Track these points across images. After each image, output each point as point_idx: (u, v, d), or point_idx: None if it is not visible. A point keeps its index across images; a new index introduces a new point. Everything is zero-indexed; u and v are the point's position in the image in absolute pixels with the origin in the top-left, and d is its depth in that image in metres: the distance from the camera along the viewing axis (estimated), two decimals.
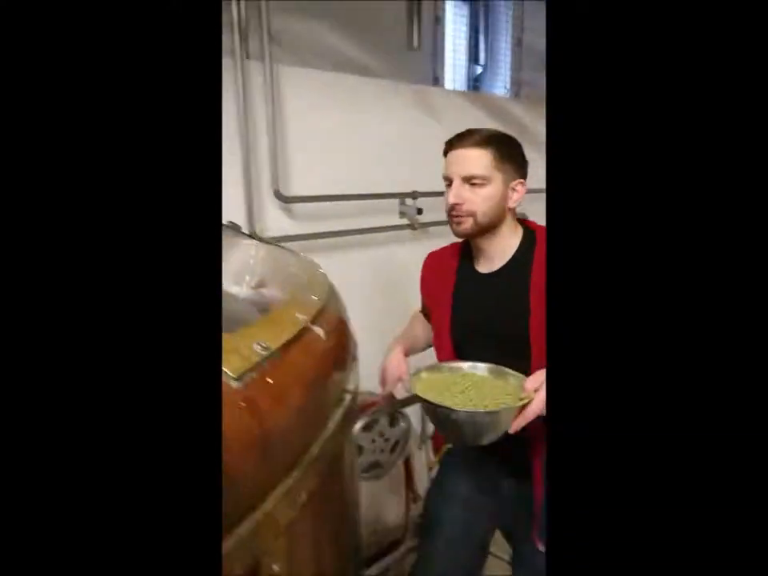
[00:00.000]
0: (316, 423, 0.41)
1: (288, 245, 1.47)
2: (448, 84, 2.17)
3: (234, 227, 0.84)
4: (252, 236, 0.84)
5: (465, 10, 2.17)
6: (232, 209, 1.38)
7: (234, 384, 0.34)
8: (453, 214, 0.83)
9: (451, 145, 0.85)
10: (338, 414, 0.45)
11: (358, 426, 1.41)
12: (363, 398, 1.59)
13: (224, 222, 0.85)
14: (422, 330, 1.00)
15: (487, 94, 2.24)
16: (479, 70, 2.26)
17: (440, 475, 1.00)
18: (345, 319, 0.60)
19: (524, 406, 0.66)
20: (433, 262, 1.01)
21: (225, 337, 0.37)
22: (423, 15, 1.61)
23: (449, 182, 0.84)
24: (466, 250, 0.93)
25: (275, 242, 1.44)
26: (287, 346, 0.40)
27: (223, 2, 1.38)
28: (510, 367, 0.76)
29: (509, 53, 2.28)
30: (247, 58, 1.38)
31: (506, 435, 0.68)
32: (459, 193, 0.81)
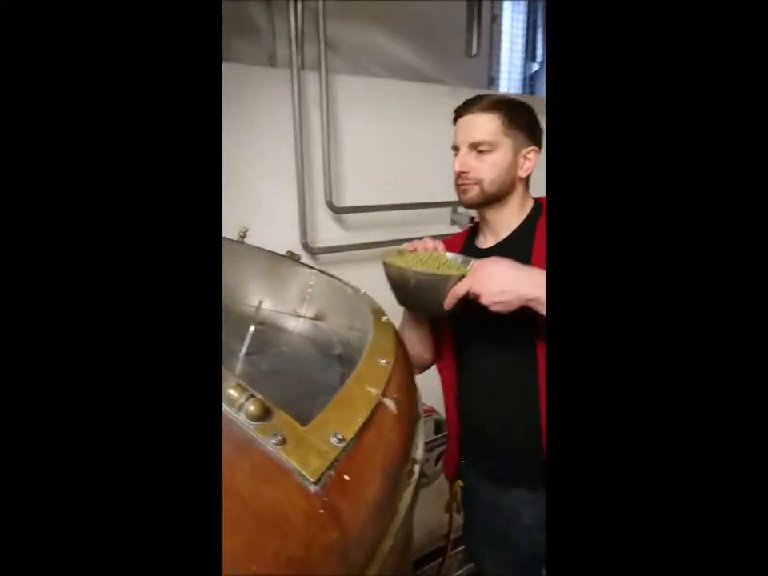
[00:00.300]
0: (390, 513, 0.39)
1: (341, 255, 1.47)
2: (503, 84, 2.10)
3: (293, 257, 0.84)
4: (311, 267, 0.83)
5: (522, 6, 2.08)
6: (285, 220, 1.39)
7: (313, 489, 0.32)
8: (459, 183, 0.81)
9: (459, 112, 0.82)
10: (408, 495, 0.43)
11: None
12: None
13: (283, 252, 0.85)
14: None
15: (543, 96, 2.15)
16: (536, 67, 2.17)
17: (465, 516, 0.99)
18: (410, 372, 0.58)
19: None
20: (444, 245, 0.96)
21: (300, 430, 0.35)
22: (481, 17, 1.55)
23: (456, 150, 0.81)
24: (476, 228, 0.91)
25: (329, 250, 1.44)
26: (361, 431, 0.38)
27: (280, 12, 1.37)
28: (510, 346, 0.79)
29: None
30: (302, 68, 1.37)
31: None
32: (465, 161, 0.78)
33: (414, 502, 0.44)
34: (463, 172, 0.79)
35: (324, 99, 1.37)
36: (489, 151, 0.78)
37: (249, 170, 1.31)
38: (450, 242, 0.91)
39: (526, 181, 0.83)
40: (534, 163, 0.81)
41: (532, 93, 2.16)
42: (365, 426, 0.39)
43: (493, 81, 2.02)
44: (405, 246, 0.84)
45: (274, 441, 0.33)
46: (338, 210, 1.45)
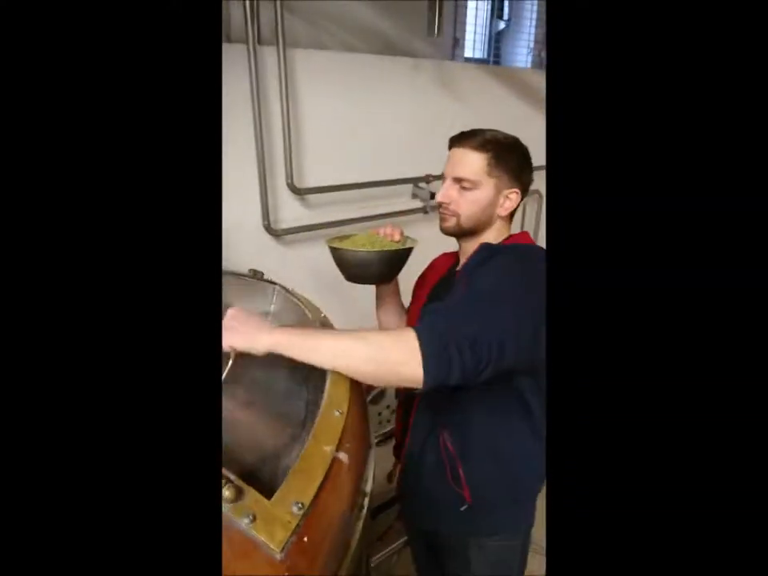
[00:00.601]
0: (344, 550, 0.50)
1: (302, 235, 1.50)
2: (468, 45, 2.05)
3: (256, 274, 0.88)
4: (273, 282, 0.88)
5: None
6: (247, 201, 1.40)
7: (279, 557, 0.41)
8: (440, 211, 0.87)
9: (452, 142, 0.85)
10: (359, 526, 0.53)
11: (367, 399, 1.52)
12: None
13: (246, 270, 0.89)
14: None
15: (508, 66, 2.12)
16: (502, 25, 2.12)
17: None
18: (363, 404, 0.67)
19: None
20: (436, 262, 1.05)
21: (267, 504, 0.44)
22: None
23: (443, 179, 0.86)
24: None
25: (291, 231, 1.47)
26: (318, 493, 0.47)
27: None
28: None
29: (535, 6, 2.12)
30: (259, 43, 1.32)
31: None
32: (448, 192, 0.84)
33: (364, 531, 0.54)
34: (444, 203, 0.84)
35: (282, 74, 1.34)
36: (470, 189, 0.81)
37: None
38: (441, 260, 1.02)
39: (509, 216, 0.88)
40: (515, 203, 0.85)
41: (498, 56, 2.13)
42: (321, 487, 0.48)
43: (457, 42, 1.97)
44: (369, 231, 0.96)
45: (246, 520, 0.42)
46: (299, 192, 1.47)
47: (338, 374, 0.64)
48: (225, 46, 1.31)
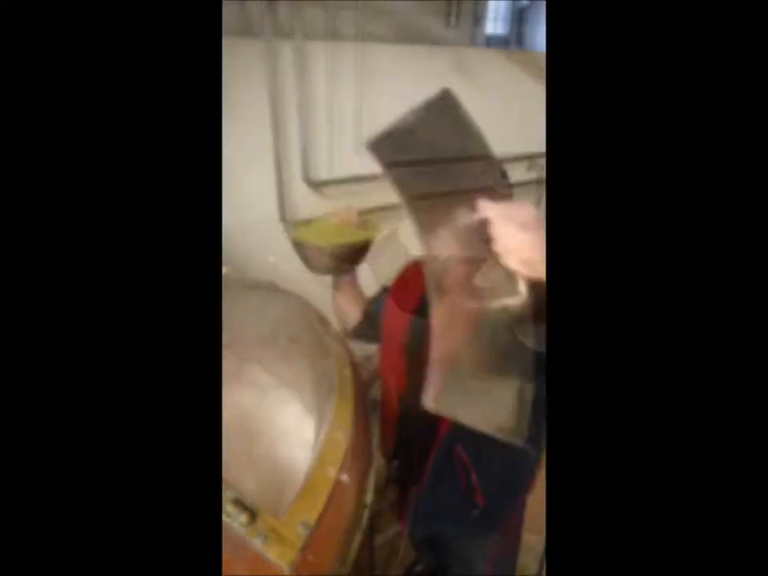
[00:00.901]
0: (342, 558, 0.57)
1: None
2: (489, 23, 2.00)
3: (270, 287, 0.94)
4: (290, 294, 0.94)
5: None
6: (263, 194, 1.44)
7: (288, 572, 0.49)
8: None
9: None
10: (358, 537, 0.61)
11: None
12: None
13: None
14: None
15: (527, 51, 2.06)
16: (526, 2, 2.05)
17: None
18: (365, 418, 0.73)
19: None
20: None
21: (277, 526, 0.51)
22: None
23: None
24: None
25: None
26: (321, 513, 0.54)
27: None
28: None
29: None
30: (275, 35, 1.33)
31: None
32: None
33: (363, 539, 0.62)
34: None
35: (300, 67, 1.35)
36: None
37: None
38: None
39: None
40: None
41: (521, 34, 2.07)
42: (324, 508, 0.55)
43: (478, 21, 1.92)
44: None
45: (260, 541, 0.49)
46: (316, 185, 1.50)
47: (343, 392, 0.70)
48: (242, 41, 1.32)
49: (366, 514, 0.64)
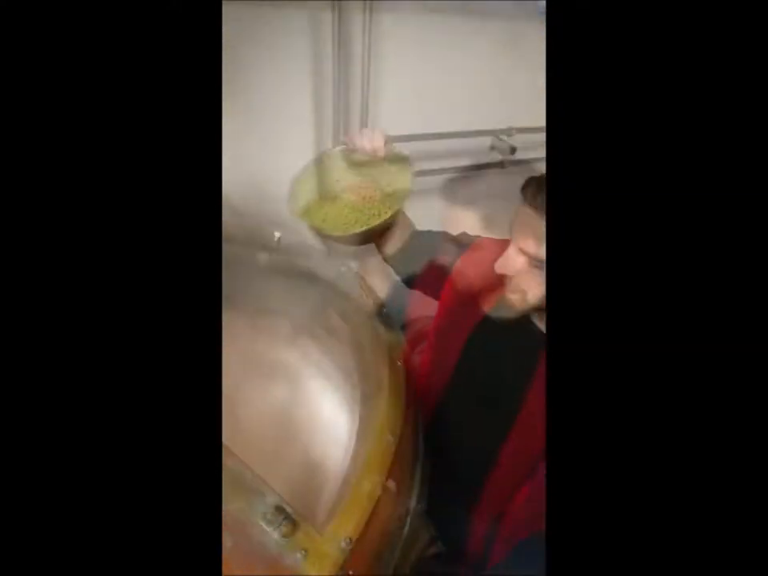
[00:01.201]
0: (382, 568, 0.55)
1: None
2: None
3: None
4: (342, 264, 0.89)
5: None
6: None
7: None
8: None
9: (526, 195, 0.65)
10: (398, 545, 0.58)
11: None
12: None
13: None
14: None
15: None
16: None
17: None
18: (415, 419, 0.69)
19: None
20: (483, 255, 0.85)
21: (318, 541, 0.48)
22: None
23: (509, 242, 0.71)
24: None
25: None
26: (365, 527, 0.51)
27: None
28: None
29: None
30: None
31: None
32: (512, 263, 0.67)
33: (405, 546, 0.59)
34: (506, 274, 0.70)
35: (367, 36, 1.23)
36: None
37: (267, 112, 1.27)
38: (488, 255, 0.82)
39: None
40: None
41: None
42: (368, 521, 0.52)
43: None
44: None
45: (299, 555, 0.46)
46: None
47: (393, 392, 0.65)
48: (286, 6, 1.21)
49: (409, 519, 0.61)
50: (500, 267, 0.67)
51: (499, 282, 0.73)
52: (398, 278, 0.92)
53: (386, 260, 0.91)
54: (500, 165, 1.63)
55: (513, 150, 1.58)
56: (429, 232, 0.90)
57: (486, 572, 0.79)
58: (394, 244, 0.87)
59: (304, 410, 0.74)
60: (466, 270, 0.81)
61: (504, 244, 0.82)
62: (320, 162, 0.82)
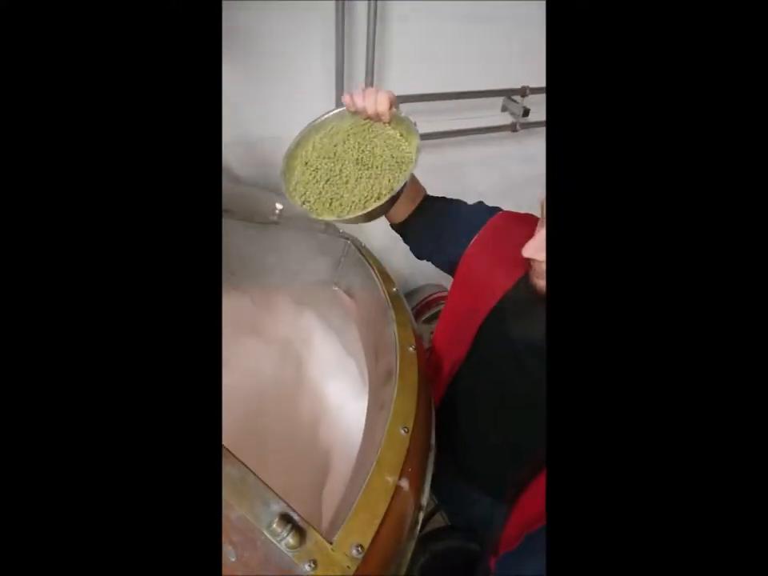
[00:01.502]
0: (395, 570, 0.51)
1: None
2: None
3: (328, 228, 0.83)
4: (348, 238, 0.83)
5: None
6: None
7: None
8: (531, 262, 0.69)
9: None
10: (411, 545, 0.54)
11: (421, 320, 1.53)
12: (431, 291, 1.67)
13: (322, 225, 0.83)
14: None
15: None
16: None
17: None
18: (428, 406, 0.65)
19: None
20: (505, 233, 0.77)
21: (328, 550, 0.45)
22: None
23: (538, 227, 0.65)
24: None
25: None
26: (377, 532, 0.47)
27: None
28: None
29: None
30: None
31: None
32: (543, 247, 0.63)
33: (417, 547, 0.55)
34: (535, 260, 0.64)
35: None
36: None
37: (291, 63, 1.18)
38: (512, 234, 0.73)
39: None
40: None
41: None
42: (381, 524, 0.48)
43: None
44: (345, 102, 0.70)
45: (307, 567, 0.43)
46: None
47: (405, 380, 0.61)
48: None
49: (421, 517, 0.57)
50: (530, 251, 0.61)
51: (518, 263, 0.67)
52: (407, 248, 0.86)
53: (394, 229, 0.85)
54: (512, 128, 1.54)
55: (526, 111, 1.49)
56: (443, 199, 0.84)
57: (498, 558, 0.77)
58: (404, 211, 0.81)
59: (307, 400, 0.70)
60: (482, 249, 0.75)
61: (522, 220, 0.75)
62: (312, 131, 0.71)
